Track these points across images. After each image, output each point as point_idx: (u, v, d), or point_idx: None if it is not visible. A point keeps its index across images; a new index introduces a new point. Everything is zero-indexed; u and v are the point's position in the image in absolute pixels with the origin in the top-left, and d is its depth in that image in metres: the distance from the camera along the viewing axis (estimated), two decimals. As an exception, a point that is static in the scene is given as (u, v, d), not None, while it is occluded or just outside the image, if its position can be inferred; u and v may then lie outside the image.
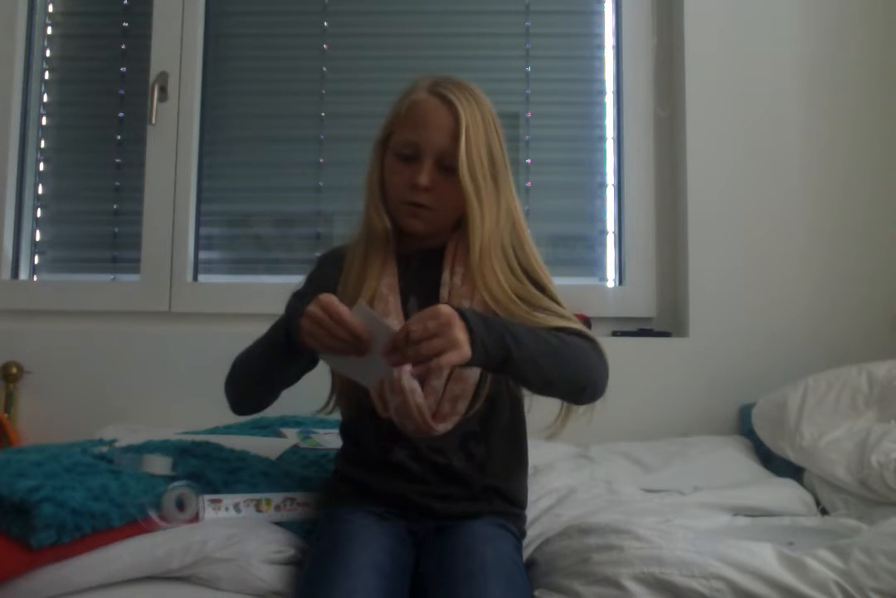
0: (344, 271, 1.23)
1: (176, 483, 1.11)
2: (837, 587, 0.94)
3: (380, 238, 1.22)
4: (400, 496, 1.15)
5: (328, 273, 1.25)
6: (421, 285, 1.22)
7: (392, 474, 1.16)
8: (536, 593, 1.02)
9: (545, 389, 1.10)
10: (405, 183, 1.17)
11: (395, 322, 1.17)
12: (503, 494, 1.20)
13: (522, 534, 1.23)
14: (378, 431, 1.17)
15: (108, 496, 1.03)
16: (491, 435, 1.19)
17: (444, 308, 0.98)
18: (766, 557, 0.98)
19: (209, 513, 1.11)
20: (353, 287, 1.20)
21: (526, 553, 1.15)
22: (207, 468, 1.20)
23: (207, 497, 1.12)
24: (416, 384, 1.13)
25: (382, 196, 1.22)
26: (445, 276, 1.21)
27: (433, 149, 1.16)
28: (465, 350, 0.97)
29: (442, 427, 1.14)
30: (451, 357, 0.96)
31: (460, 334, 0.97)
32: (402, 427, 1.14)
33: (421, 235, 1.22)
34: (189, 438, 1.38)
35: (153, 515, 1.06)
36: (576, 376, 1.11)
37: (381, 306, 1.18)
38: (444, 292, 1.20)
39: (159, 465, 1.17)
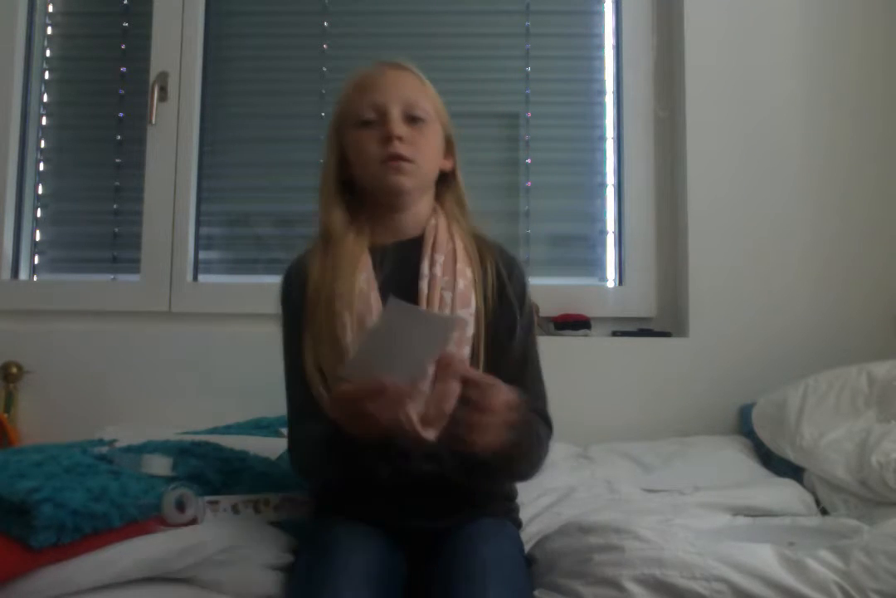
0: (311, 280, 1.16)
1: (176, 484, 1.10)
2: (838, 588, 0.94)
3: (339, 232, 1.17)
4: (393, 520, 1.10)
5: (297, 289, 1.18)
6: (400, 279, 1.15)
7: (382, 492, 1.09)
8: (536, 593, 1.02)
9: (480, 478, 1.09)
10: (378, 142, 1.14)
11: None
12: (499, 493, 1.18)
13: (519, 525, 1.22)
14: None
15: (108, 497, 1.02)
16: None
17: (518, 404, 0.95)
18: (766, 558, 0.98)
19: (207, 514, 1.10)
20: (328, 287, 1.13)
21: (525, 549, 1.14)
22: (207, 469, 1.20)
23: (205, 499, 1.12)
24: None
25: (339, 189, 1.19)
26: (424, 266, 1.15)
27: (397, 100, 1.15)
28: (490, 448, 0.94)
29: (431, 434, 1.05)
30: (478, 443, 0.94)
31: (504, 435, 0.95)
32: (393, 436, 1.04)
33: (409, 191, 1.16)
34: (189, 438, 1.37)
35: (153, 516, 1.06)
36: (514, 477, 1.14)
37: (361, 305, 1.12)
38: (423, 285, 1.14)
39: (159, 465, 1.17)
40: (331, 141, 1.20)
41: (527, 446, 1.04)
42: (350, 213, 1.20)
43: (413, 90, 1.17)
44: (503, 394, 0.93)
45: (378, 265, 1.16)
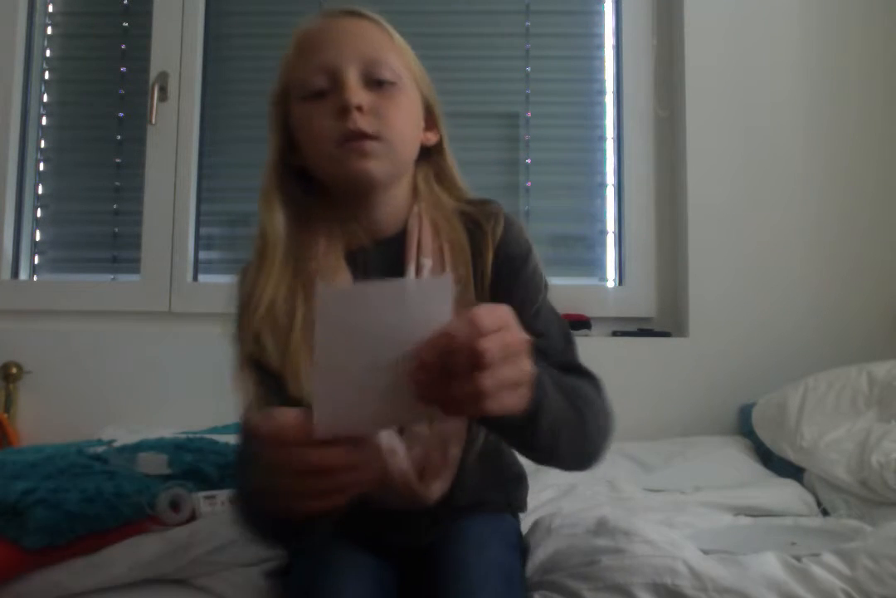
0: (261, 303, 0.90)
1: (170, 483, 1.10)
2: (845, 595, 0.93)
3: (274, 247, 0.92)
4: (378, 539, 0.93)
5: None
6: None
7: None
8: (537, 595, 1.01)
9: (543, 458, 0.87)
10: (332, 116, 0.88)
11: None
12: (500, 480, 1.02)
13: (524, 509, 1.08)
14: None
15: (102, 498, 1.02)
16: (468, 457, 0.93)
17: (512, 317, 0.66)
18: (774, 567, 0.97)
19: (205, 509, 1.10)
20: (283, 315, 0.89)
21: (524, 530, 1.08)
22: (203, 463, 1.20)
23: (202, 494, 1.11)
24: (397, 442, 0.85)
25: (285, 182, 0.94)
26: (410, 274, 0.92)
27: (354, 58, 0.90)
28: (525, 393, 0.67)
29: (437, 489, 0.89)
30: (509, 401, 0.65)
31: (529, 364, 0.67)
32: (382, 501, 0.87)
33: (379, 179, 0.91)
34: (183, 436, 1.38)
35: (148, 516, 1.06)
36: (585, 450, 0.86)
37: None
38: None
39: (155, 464, 1.17)
40: (272, 120, 0.95)
41: (568, 410, 0.79)
42: (308, 211, 0.95)
43: (374, 44, 0.92)
44: (499, 336, 0.63)
45: (357, 278, 0.93)
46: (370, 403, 0.62)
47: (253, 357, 0.89)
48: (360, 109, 0.87)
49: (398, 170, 0.94)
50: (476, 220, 0.96)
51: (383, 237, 0.96)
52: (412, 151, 0.95)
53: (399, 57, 0.94)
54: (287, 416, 0.64)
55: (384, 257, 0.94)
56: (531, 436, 0.77)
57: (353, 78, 0.89)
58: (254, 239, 0.95)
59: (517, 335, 0.65)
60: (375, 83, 0.90)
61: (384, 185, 0.93)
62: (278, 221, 0.93)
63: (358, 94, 0.88)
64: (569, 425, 0.80)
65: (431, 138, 0.99)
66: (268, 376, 0.88)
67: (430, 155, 1.00)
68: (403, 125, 0.92)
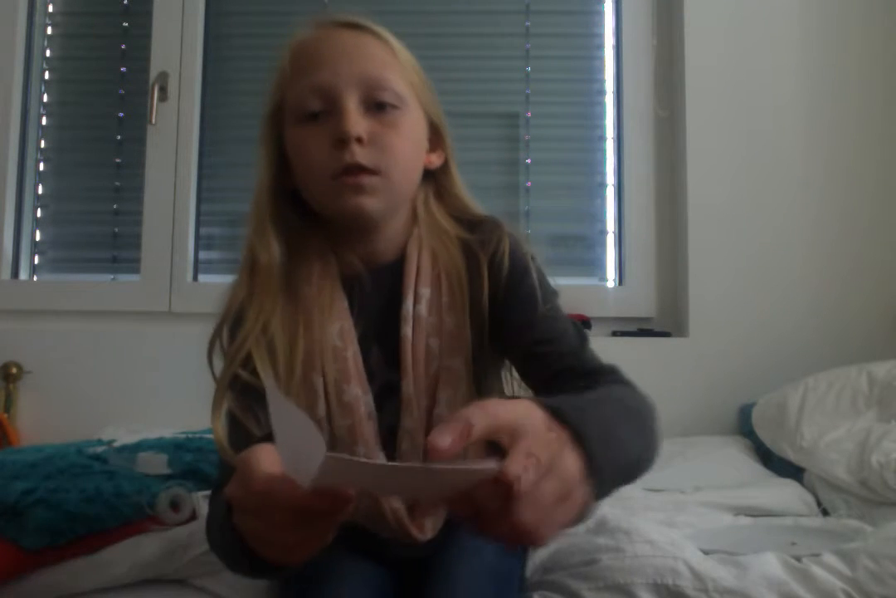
0: (247, 329, 0.85)
1: (170, 483, 1.10)
2: (846, 596, 0.93)
3: (268, 273, 0.88)
4: (375, 550, 0.91)
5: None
6: (380, 324, 0.88)
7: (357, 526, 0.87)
8: (537, 595, 1.00)
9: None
10: (327, 145, 0.82)
11: (356, 392, 0.83)
12: None
13: None
14: None
15: (101, 498, 1.02)
16: None
17: (573, 463, 0.56)
18: (775, 568, 0.97)
19: (205, 509, 1.10)
20: (283, 351, 0.84)
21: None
22: (202, 462, 1.21)
23: (202, 494, 1.11)
24: None
25: (279, 207, 0.88)
26: (407, 305, 0.87)
27: (353, 79, 0.82)
28: (578, 498, 0.57)
29: (430, 527, 0.87)
30: (563, 518, 0.56)
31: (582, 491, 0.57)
32: (376, 532, 0.88)
33: (376, 215, 0.86)
34: (183, 436, 1.38)
35: (148, 516, 1.06)
36: (640, 471, 0.77)
37: (335, 368, 0.84)
38: (406, 330, 0.86)
39: (155, 464, 1.17)
40: (265, 140, 0.89)
41: (628, 443, 0.72)
42: (302, 235, 0.91)
43: (376, 62, 0.85)
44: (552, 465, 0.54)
45: (353, 306, 0.89)
46: (374, 478, 0.53)
47: (239, 379, 0.84)
48: (359, 140, 0.81)
49: (397, 204, 0.89)
50: (472, 247, 0.91)
51: (381, 263, 0.91)
52: (414, 182, 0.90)
53: (402, 76, 0.86)
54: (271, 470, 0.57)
55: (381, 285, 0.90)
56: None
57: (352, 103, 0.82)
58: (243, 258, 0.92)
59: (549, 437, 0.56)
60: (377, 106, 0.84)
61: (381, 219, 0.88)
62: (273, 249, 0.88)
63: (358, 123, 0.81)
64: (631, 465, 0.72)
65: (436, 161, 0.93)
66: (254, 402, 0.82)
67: (433, 174, 0.94)
68: (405, 155, 0.85)
